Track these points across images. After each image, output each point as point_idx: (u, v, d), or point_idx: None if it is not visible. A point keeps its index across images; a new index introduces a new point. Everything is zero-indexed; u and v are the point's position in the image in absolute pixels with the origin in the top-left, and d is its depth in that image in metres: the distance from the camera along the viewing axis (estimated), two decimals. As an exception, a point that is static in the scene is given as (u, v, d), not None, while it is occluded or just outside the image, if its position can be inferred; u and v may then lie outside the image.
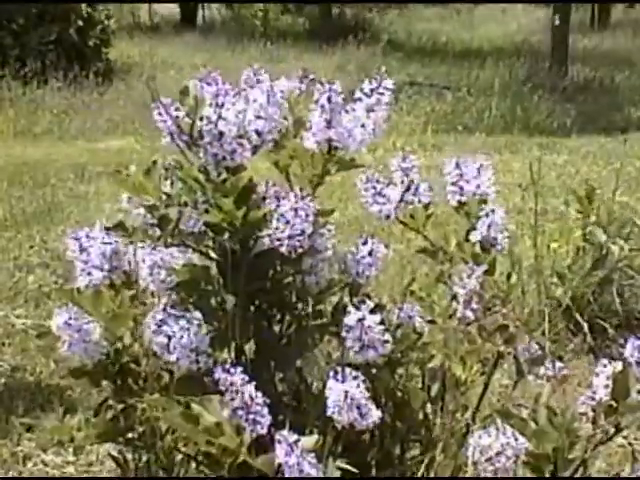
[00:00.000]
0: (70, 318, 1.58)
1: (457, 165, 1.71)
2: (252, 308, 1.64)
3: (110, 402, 1.68)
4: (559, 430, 1.28)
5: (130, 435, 1.66)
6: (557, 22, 12.10)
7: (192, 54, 12.97)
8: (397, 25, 16.95)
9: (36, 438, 2.38)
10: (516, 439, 1.33)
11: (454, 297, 1.63)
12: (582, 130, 8.99)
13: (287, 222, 1.48)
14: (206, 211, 1.55)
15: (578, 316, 3.06)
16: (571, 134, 8.73)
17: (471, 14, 18.96)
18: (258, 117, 1.54)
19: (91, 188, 5.55)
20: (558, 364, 1.58)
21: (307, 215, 1.48)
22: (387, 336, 1.42)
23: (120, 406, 1.67)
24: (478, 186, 1.70)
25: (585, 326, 3.05)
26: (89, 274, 1.64)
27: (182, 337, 1.47)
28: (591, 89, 11.36)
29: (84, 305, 1.60)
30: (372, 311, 1.40)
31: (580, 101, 10.46)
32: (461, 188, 1.70)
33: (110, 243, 1.65)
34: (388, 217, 1.70)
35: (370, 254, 1.64)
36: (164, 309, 1.50)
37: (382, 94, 1.58)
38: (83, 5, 10.56)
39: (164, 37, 14.92)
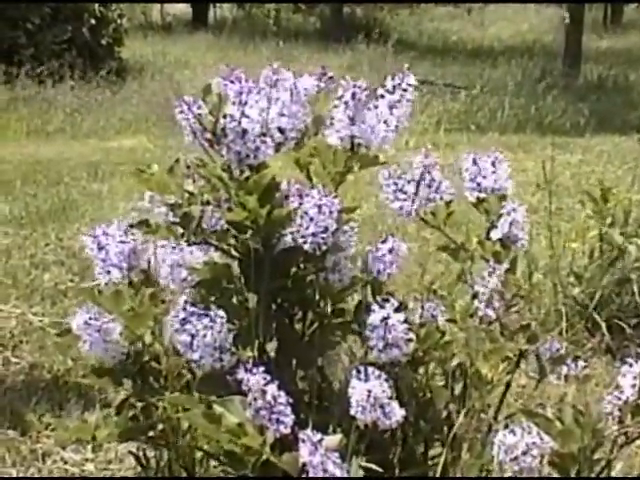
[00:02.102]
0: (90, 318, 1.58)
1: (474, 161, 1.71)
2: (274, 306, 1.63)
3: (131, 400, 1.69)
4: (585, 430, 1.28)
5: (151, 433, 1.67)
6: (567, 20, 12.04)
7: (204, 53, 12.99)
8: (408, 24, 16.92)
9: (55, 435, 2.39)
10: (541, 438, 1.32)
11: (475, 296, 1.63)
12: (596, 129, 8.94)
13: (311, 219, 1.47)
14: (229, 209, 1.55)
15: (596, 316, 3.05)
16: (585, 133, 8.68)
17: (482, 13, 18.90)
18: (282, 115, 1.54)
19: (104, 187, 5.56)
20: (580, 363, 1.57)
21: (331, 212, 1.48)
22: (411, 335, 1.42)
23: (140, 404, 1.67)
24: (495, 181, 1.70)
25: (603, 326, 3.03)
26: (108, 272, 1.65)
27: (205, 335, 1.47)
28: (605, 88, 11.31)
29: (104, 304, 1.60)
30: (396, 310, 1.40)
31: (594, 100, 10.40)
32: (478, 184, 1.70)
33: (128, 242, 1.65)
34: (409, 214, 1.70)
35: (390, 252, 1.64)
36: (185, 307, 1.50)
37: (405, 90, 1.58)
38: (96, 4, 10.59)
39: (176, 36, 14.94)
